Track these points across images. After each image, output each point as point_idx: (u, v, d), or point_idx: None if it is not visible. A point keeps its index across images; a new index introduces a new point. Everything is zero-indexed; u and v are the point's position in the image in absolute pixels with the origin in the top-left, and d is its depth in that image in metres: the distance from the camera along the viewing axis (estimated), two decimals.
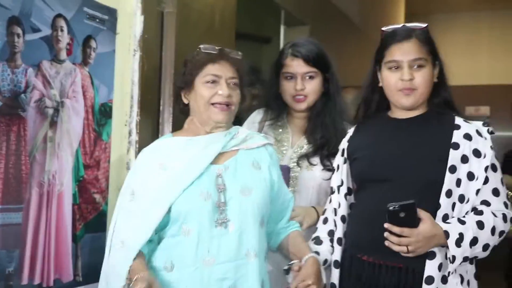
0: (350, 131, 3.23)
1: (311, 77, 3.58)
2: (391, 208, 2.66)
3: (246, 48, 4.58)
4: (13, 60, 2.99)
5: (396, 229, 2.70)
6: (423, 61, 2.90)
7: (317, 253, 3.01)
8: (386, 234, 2.72)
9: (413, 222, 2.69)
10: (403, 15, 11.87)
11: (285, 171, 3.31)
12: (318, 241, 3.11)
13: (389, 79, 2.94)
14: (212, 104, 2.91)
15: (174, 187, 2.78)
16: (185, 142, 2.93)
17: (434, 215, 2.76)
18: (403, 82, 2.91)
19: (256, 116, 3.81)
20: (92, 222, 3.52)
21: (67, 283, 3.30)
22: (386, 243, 2.74)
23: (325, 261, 3.01)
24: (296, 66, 3.57)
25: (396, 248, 2.74)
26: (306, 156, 3.54)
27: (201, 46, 2.96)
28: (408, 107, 2.95)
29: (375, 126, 3.11)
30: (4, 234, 2.90)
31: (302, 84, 3.56)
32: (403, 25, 2.95)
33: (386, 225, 2.70)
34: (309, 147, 3.58)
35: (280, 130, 3.73)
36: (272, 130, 3.72)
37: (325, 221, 3.18)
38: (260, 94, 4.07)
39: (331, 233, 3.10)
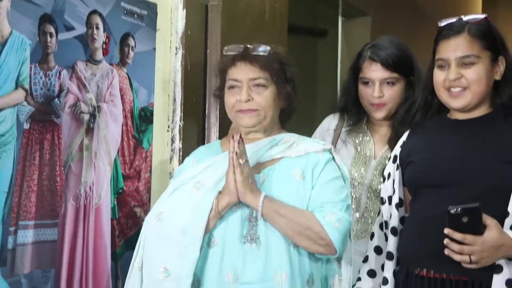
0: (404, 136, 2.93)
1: (391, 83, 3.23)
2: (452, 211, 2.43)
3: (299, 42, 4.39)
4: (46, 61, 2.79)
5: (457, 235, 2.45)
6: (474, 58, 2.67)
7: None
8: (446, 241, 2.48)
9: (477, 228, 2.45)
10: (480, 2, 9.37)
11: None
12: (371, 273, 2.91)
13: (437, 78, 2.75)
14: (237, 111, 2.77)
15: (207, 204, 2.65)
16: (223, 157, 2.75)
17: (501, 224, 2.54)
18: (450, 82, 2.68)
19: (332, 121, 3.45)
20: (133, 239, 3.18)
21: None
22: (446, 251, 2.48)
23: None
24: (374, 71, 3.23)
25: (457, 257, 2.48)
26: None
27: (225, 48, 2.84)
28: (459, 108, 2.72)
29: (432, 128, 2.83)
30: (38, 252, 2.76)
31: (380, 91, 3.23)
32: (459, 18, 2.73)
33: (446, 230, 2.46)
34: None
35: (361, 137, 3.36)
36: (351, 138, 3.37)
37: (372, 236, 2.96)
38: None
39: (378, 250, 2.89)
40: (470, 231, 2.42)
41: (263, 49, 2.74)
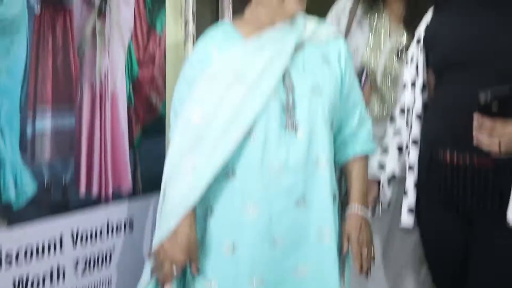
0: (427, 16, 2.82)
1: None
2: (482, 96, 2.32)
3: None
4: None
5: (487, 122, 2.35)
6: None
7: (383, 166, 2.86)
8: (474, 127, 2.38)
9: (508, 114, 2.34)
10: None
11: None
12: (385, 152, 2.91)
13: None
14: None
15: (253, 102, 2.56)
16: (254, 42, 2.63)
17: None
18: None
19: (347, 2, 3.38)
20: (150, 126, 3.20)
21: (126, 193, 3.09)
22: (475, 140, 2.39)
23: (392, 177, 2.90)
24: None
25: (486, 146, 2.38)
26: (408, 49, 2.99)
27: None
28: None
29: (458, 6, 2.70)
30: (57, 139, 2.75)
31: None
32: None
33: (475, 116, 2.35)
34: (410, 38, 3.10)
35: (376, 17, 3.31)
36: (367, 18, 3.32)
37: (397, 133, 2.89)
38: None
39: (400, 149, 2.87)
40: (500, 117, 2.33)
41: None
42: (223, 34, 2.68)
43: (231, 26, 2.71)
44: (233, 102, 2.53)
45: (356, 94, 2.78)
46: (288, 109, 2.55)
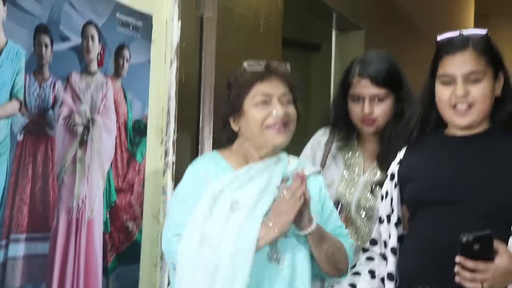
0: (401, 153, 2.90)
1: (380, 99, 3.24)
2: (464, 239, 2.40)
3: (293, 56, 4.32)
4: (41, 72, 2.76)
5: (470, 263, 2.41)
6: (481, 74, 2.65)
7: (354, 286, 2.85)
8: (457, 268, 2.43)
9: (489, 255, 2.43)
10: (472, 16, 10.56)
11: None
12: (356, 274, 2.90)
13: (442, 95, 2.70)
14: (267, 127, 2.73)
15: (249, 231, 2.61)
16: (245, 175, 2.75)
17: (505, 242, 2.54)
18: (457, 98, 2.64)
19: (322, 137, 3.48)
20: (124, 253, 3.22)
21: None
22: (457, 279, 2.44)
23: None
24: (363, 87, 3.23)
25: (469, 285, 2.43)
26: (381, 185, 3.07)
27: (245, 64, 2.79)
28: (464, 126, 2.69)
29: (431, 145, 2.80)
30: (29, 266, 2.73)
31: (370, 108, 3.23)
32: (460, 33, 2.70)
33: (458, 258, 2.42)
34: (383, 174, 3.17)
35: (350, 153, 3.39)
36: (341, 154, 3.40)
37: (369, 259, 2.91)
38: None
39: (372, 272, 2.86)
40: (481, 258, 2.41)
41: (285, 66, 2.81)
42: (213, 163, 2.78)
43: (220, 156, 2.82)
44: (233, 231, 2.58)
45: (337, 224, 2.90)
46: (273, 242, 2.62)
